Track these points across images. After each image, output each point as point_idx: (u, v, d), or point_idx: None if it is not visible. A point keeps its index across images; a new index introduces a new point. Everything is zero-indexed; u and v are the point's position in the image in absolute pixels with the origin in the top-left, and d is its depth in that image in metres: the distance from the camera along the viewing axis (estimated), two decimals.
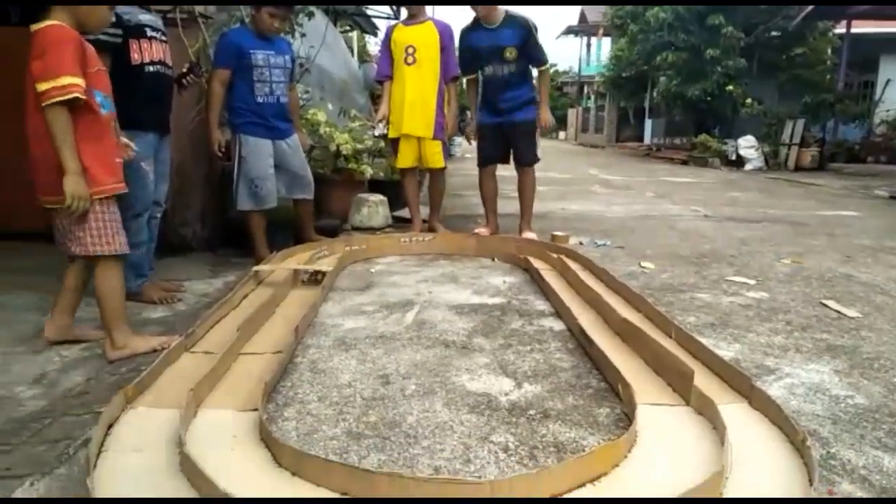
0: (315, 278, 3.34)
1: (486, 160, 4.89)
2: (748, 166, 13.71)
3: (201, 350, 2.32)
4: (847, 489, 1.54)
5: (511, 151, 4.81)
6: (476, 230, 4.93)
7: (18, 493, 1.48)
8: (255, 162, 3.85)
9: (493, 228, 4.94)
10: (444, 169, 4.85)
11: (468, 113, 4.93)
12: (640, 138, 24.76)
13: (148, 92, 3.05)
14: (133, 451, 1.64)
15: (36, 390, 2.16)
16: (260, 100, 3.84)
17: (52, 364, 2.38)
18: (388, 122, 4.75)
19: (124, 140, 2.96)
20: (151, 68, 3.05)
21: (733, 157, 14.24)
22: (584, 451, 1.68)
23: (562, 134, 37.69)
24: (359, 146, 5.20)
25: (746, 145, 14.05)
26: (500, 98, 4.65)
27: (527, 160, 4.80)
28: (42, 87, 2.15)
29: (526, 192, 4.86)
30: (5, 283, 3.28)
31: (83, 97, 2.22)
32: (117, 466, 1.55)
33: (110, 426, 1.73)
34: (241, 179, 3.86)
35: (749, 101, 15.75)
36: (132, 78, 2.98)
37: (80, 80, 2.20)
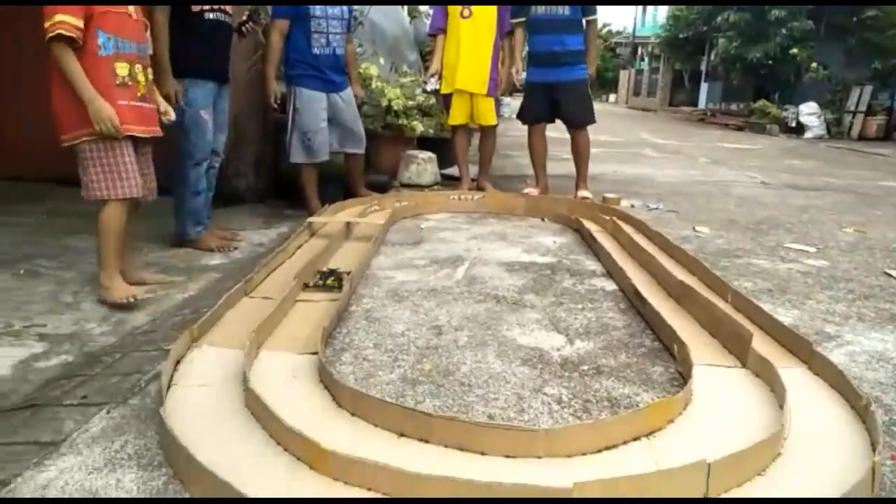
0: (335, 283, 2.54)
1: (533, 119, 4.80)
2: (808, 134, 13.18)
3: (260, 295, 2.38)
4: None
5: (560, 112, 4.69)
6: (525, 190, 4.89)
7: (95, 420, 1.57)
8: (308, 115, 3.87)
9: (542, 188, 4.89)
10: (495, 126, 4.79)
11: (514, 69, 4.74)
12: (695, 103, 23.93)
13: (208, 40, 3.09)
14: (199, 386, 1.71)
15: (105, 328, 2.27)
16: (316, 51, 3.83)
17: None
18: (440, 78, 4.70)
19: (176, 86, 3.01)
20: (211, 15, 3.08)
21: (793, 125, 13.70)
22: (637, 406, 1.68)
23: (612, 97, 36.74)
24: (409, 102, 5.17)
25: (808, 112, 13.48)
26: (552, 44, 4.49)
27: (580, 122, 4.68)
28: (45, 25, 2.24)
29: (581, 152, 4.77)
30: (72, 227, 3.41)
31: (67, 34, 2.25)
32: (186, 399, 1.63)
33: (178, 362, 1.81)
34: (294, 132, 3.90)
35: (814, 65, 15.01)
36: (192, 25, 3.01)
37: (69, 18, 2.25)
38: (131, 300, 2.41)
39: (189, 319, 2.21)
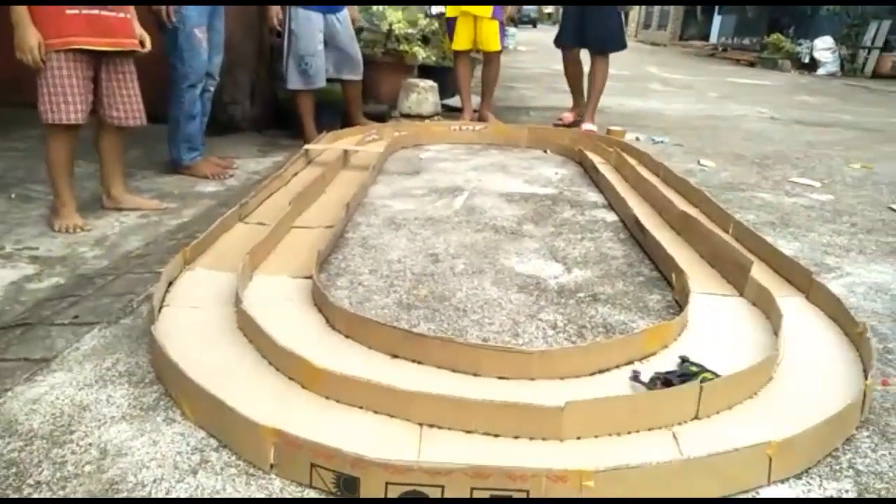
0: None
1: (564, 45, 4.71)
2: (821, 70, 12.81)
3: (255, 221, 2.35)
4: None
5: (584, 36, 4.56)
6: (561, 115, 4.96)
7: (87, 339, 1.56)
8: (305, 37, 3.71)
9: (576, 114, 4.92)
10: (499, 53, 4.64)
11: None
12: (706, 37, 23.19)
13: None
14: (192, 307, 1.70)
15: (98, 251, 2.25)
16: None
17: (112, 228, 2.46)
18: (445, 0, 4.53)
19: (171, 7, 2.88)
20: None
21: (806, 60, 13.29)
22: (632, 332, 1.67)
23: None
24: (411, 28, 5.00)
25: (823, 47, 13.06)
26: None
27: (602, 46, 4.54)
28: None
29: (596, 82, 4.66)
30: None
31: None
32: (178, 320, 1.62)
33: (170, 284, 1.79)
34: (290, 56, 3.74)
35: None
36: None
37: None
38: (70, 230, 2.34)
39: (184, 243, 2.18)
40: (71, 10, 2.22)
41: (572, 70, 4.85)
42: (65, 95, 2.25)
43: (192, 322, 1.61)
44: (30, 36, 2.15)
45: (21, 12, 2.14)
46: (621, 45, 4.64)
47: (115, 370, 1.43)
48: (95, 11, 2.28)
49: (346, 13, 3.92)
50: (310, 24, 3.70)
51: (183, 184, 3.09)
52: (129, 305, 1.75)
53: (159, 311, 1.63)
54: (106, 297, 1.81)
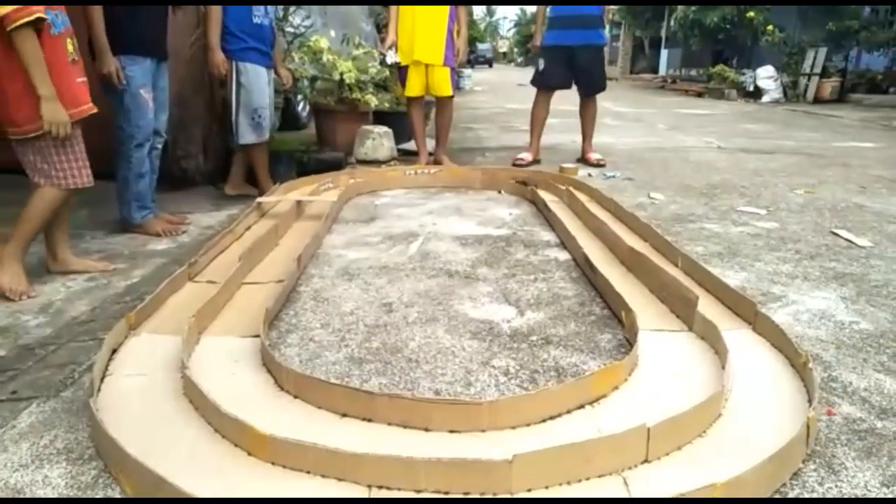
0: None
1: (553, 86, 5.04)
2: (766, 98, 13.34)
3: (204, 279, 2.32)
4: (847, 410, 1.53)
5: (577, 78, 4.96)
6: (520, 155, 5.12)
7: (24, 416, 1.51)
8: (257, 91, 3.71)
9: (535, 152, 5.14)
10: (451, 98, 4.73)
11: (477, 45, 4.96)
12: (655, 70, 24.05)
13: (143, 15, 2.95)
14: (137, 374, 1.65)
15: (42, 318, 2.18)
16: (257, 20, 3.65)
17: (58, 294, 2.40)
18: (396, 49, 4.60)
19: (116, 65, 2.89)
20: None
21: (751, 89, 13.84)
22: (583, 375, 1.68)
23: None
24: (363, 76, 5.07)
25: (765, 75, 13.62)
26: (577, 6, 4.76)
27: (599, 88, 5.04)
28: (2, 10, 2.06)
29: (592, 117, 5.14)
30: (7, 216, 3.27)
31: (45, 17, 2.13)
32: (121, 389, 1.57)
33: (114, 351, 1.75)
34: (241, 110, 3.72)
35: (770, 27, 15.12)
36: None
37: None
38: (20, 297, 2.30)
39: (131, 307, 2.14)
40: (79, 80, 2.35)
41: (541, 112, 5.14)
42: (84, 161, 2.41)
43: (135, 391, 1.57)
44: (62, 111, 2.23)
45: (49, 82, 2.18)
46: (605, 85, 5.15)
47: (52, 447, 1.38)
48: (84, 78, 2.41)
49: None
50: (259, 78, 3.72)
51: (133, 242, 3.04)
52: (70, 376, 1.70)
53: (101, 381, 1.58)
54: (47, 368, 1.75)
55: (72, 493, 1.23)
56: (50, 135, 2.24)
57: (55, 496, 1.22)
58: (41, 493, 1.23)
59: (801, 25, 15.60)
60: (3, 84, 2.18)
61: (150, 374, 1.65)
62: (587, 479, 1.25)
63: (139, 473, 1.20)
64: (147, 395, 1.56)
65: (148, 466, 1.18)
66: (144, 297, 2.16)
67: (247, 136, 3.78)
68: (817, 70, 13.19)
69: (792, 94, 13.46)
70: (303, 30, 4.92)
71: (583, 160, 5.15)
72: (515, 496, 1.20)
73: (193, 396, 1.50)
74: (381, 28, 7.18)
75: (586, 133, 5.21)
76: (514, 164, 4.93)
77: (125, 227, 3.16)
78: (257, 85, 3.71)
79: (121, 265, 2.73)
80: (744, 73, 14.40)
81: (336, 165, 4.65)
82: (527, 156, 5.09)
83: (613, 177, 4.61)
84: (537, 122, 5.17)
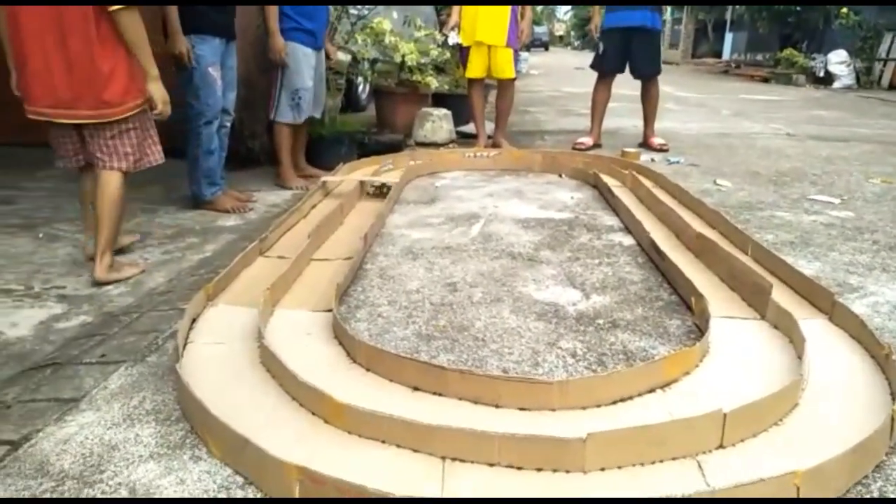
0: (380, 191, 3.35)
1: (611, 70, 4.98)
2: (837, 84, 12.75)
3: (275, 255, 2.39)
4: None
5: (631, 61, 4.89)
6: (578, 140, 5.05)
7: (114, 378, 1.59)
8: (300, 72, 3.70)
9: (595, 137, 5.07)
10: (513, 80, 4.69)
11: (534, 28, 4.91)
12: (719, 54, 23.21)
13: None
14: (215, 343, 1.72)
15: (123, 289, 2.29)
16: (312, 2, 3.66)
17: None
18: (459, 30, 4.60)
19: (187, 45, 2.97)
20: None
21: (821, 74, 13.24)
22: (653, 359, 1.67)
23: None
24: (423, 58, 5.08)
25: (837, 60, 13.01)
26: None
27: (656, 71, 4.96)
28: None
29: (651, 101, 5.04)
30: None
31: None
32: (202, 356, 1.64)
33: (194, 320, 1.82)
34: (282, 90, 3.71)
35: (844, 10, 14.40)
36: None
37: None
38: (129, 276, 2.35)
39: (205, 279, 2.22)
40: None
41: (602, 97, 5.08)
42: (157, 139, 2.45)
43: (215, 358, 1.64)
44: (164, 90, 2.32)
45: (153, 61, 2.26)
46: (659, 68, 5.06)
47: (141, 408, 1.46)
48: None
49: (322, 50, 3.95)
50: (304, 60, 3.70)
51: (204, 219, 3.15)
52: (154, 343, 1.78)
53: (184, 348, 1.66)
54: (132, 335, 1.84)
55: (162, 452, 1.30)
56: (152, 111, 2.32)
57: (147, 454, 1.29)
58: (134, 451, 1.30)
59: (878, 8, 14.80)
60: (99, 65, 2.18)
61: (228, 343, 1.72)
62: (660, 461, 1.25)
63: (225, 435, 1.26)
64: (226, 362, 1.62)
65: (234, 429, 1.24)
66: (218, 270, 2.24)
67: (285, 114, 3.75)
68: (894, 55, 12.52)
69: (865, 80, 12.83)
70: (366, 12, 4.94)
71: (645, 145, 5.06)
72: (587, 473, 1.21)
73: (271, 365, 1.56)
74: (440, 10, 7.15)
75: (648, 118, 5.13)
76: (574, 148, 4.87)
77: (196, 203, 3.28)
78: (302, 66, 3.69)
79: (193, 240, 2.84)
80: (814, 58, 13.78)
81: (395, 147, 4.68)
82: (587, 140, 5.04)
83: (677, 162, 4.51)
84: (598, 106, 5.11)
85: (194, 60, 3.01)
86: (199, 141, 3.14)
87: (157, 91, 2.27)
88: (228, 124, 3.33)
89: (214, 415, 1.29)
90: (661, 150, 4.91)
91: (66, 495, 1.17)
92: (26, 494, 1.18)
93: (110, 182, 2.32)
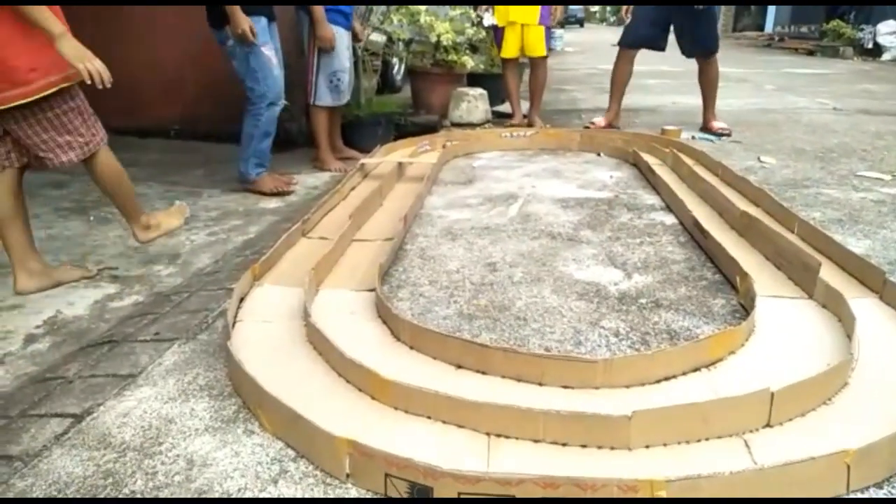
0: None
1: (636, 41, 4.55)
2: (886, 56, 12.25)
3: (317, 236, 2.43)
4: None
5: (687, 38, 4.41)
6: (593, 119, 4.82)
7: (168, 355, 1.65)
8: (338, 54, 3.66)
9: (612, 116, 4.75)
10: (545, 58, 4.63)
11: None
12: (760, 27, 22.48)
13: None
14: (263, 321, 1.77)
15: (172, 269, 2.36)
16: None
17: (184, 247, 2.58)
18: (493, 11, 4.56)
19: (249, 22, 2.97)
20: None
21: (869, 46, 12.73)
22: (697, 338, 1.66)
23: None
24: (459, 38, 5.05)
25: (887, 31, 12.48)
26: None
27: (713, 47, 4.45)
28: None
29: (709, 82, 4.58)
30: (137, 175, 3.50)
31: None
32: (251, 335, 1.69)
33: (241, 300, 1.87)
34: (320, 72, 3.69)
35: None
36: None
37: None
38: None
39: (251, 260, 2.28)
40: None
41: (627, 72, 4.69)
42: (96, 117, 2.13)
43: (264, 336, 1.68)
44: (82, 47, 1.89)
45: (55, 18, 1.83)
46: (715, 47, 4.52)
47: (195, 384, 1.51)
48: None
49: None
50: (341, 41, 3.68)
51: (246, 201, 3.21)
52: (204, 321, 1.84)
53: (233, 326, 1.71)
54: (182, 313, 1.90)
55: (216, 426, 1.35)
56: (91, 83, 1.87)
57: (203, 427, 1.34)
58: (190, 424, 1.35)
59: None
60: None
61: (275, 322, 1.76)
62: (706, 439, 1.25)
63: (277, 410, 1.30)
64: (274, 340, 1.67)
65: (286, 403, 1.27)
66: (262, 251, 2.29)
67: (325, 98, 3.74)
68: None
69: None
70: None
71: (705, 129, 4.66)
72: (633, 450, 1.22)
73: (318, 343, 1.59)
74: None
75: (706, 100, 4.67)
76: (586, 128, 4.66)
77: (241, 182, 3.33)
78: (339, 47, 3.67)
79: (236, 222, 2.90)
80: (862, 29, 13.25)
81: (431, 128, 4.68)
82: (600, 120, 4.74)
83: (719, 139, 4.41)
84: (618, 83, 4.72)
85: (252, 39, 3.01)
86: (258, 122, 3.18)
87: (68, 48, 1.83)
88: (281, 105, 3.34)
89: (267, 390, 1.33)
90: (721, 133, 4.52)
91: (128, 465, 1.23)
92: (90, 465, 1.24)
93: (95, 165, 2.13)
